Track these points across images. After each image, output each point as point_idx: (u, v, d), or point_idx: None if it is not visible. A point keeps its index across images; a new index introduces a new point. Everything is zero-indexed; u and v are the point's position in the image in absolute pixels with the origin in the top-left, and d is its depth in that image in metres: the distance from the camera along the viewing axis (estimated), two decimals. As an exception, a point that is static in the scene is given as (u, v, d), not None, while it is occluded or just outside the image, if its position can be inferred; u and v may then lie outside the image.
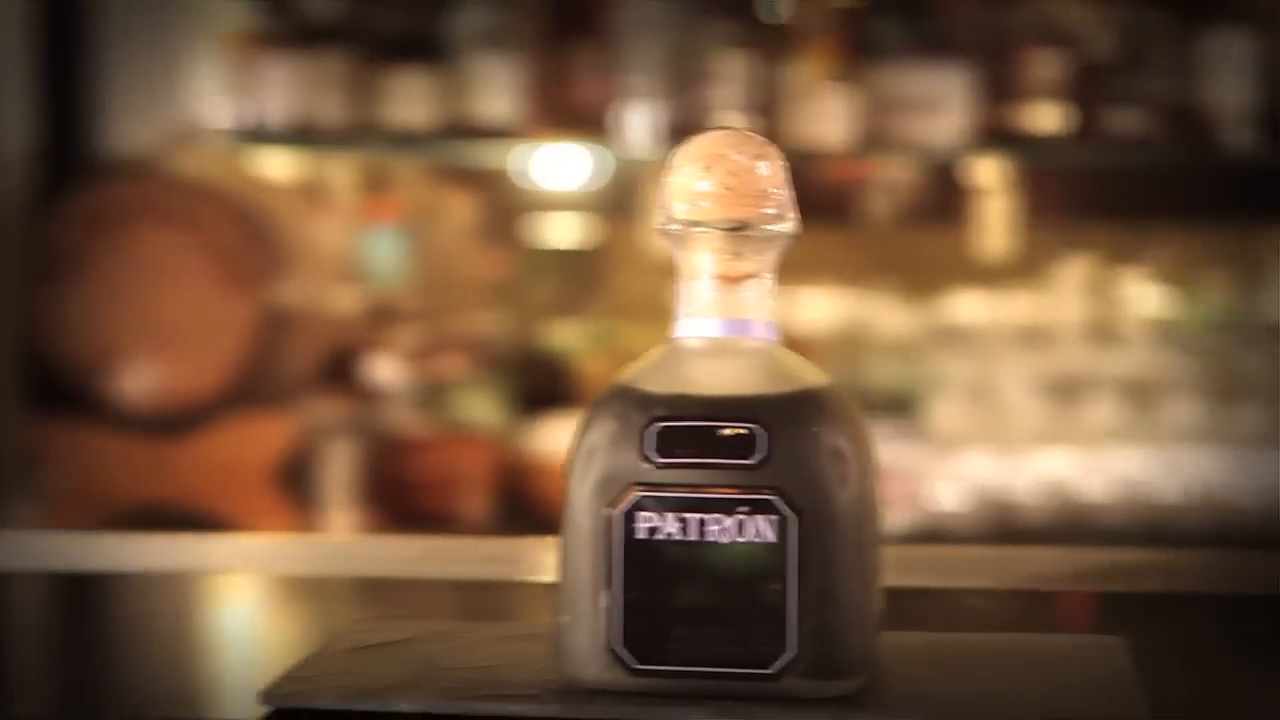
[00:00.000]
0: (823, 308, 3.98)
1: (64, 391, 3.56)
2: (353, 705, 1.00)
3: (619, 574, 0.91)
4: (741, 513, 0.90)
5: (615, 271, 4.30)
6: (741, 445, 0.90)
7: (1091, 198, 3.99)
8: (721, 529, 0.90)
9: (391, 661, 1.07)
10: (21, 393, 3.62)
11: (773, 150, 0.95)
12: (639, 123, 3.81)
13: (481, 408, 3.94)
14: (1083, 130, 3.67)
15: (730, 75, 3.73)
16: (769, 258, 0.94)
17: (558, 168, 4.10)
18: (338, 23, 3.91)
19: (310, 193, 4.12)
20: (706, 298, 0.93)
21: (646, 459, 0.90)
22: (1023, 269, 3.87)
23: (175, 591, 1.52)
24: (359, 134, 3.92)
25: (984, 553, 2.10)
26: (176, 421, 3.49)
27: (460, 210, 4.23)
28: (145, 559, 1.68)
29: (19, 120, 3.67)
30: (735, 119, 3.74)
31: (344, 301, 3.85)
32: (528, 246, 4.22)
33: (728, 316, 0.93)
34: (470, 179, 4.21)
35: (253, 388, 3.54)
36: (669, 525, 0.90)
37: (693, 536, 0.90)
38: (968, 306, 3.83)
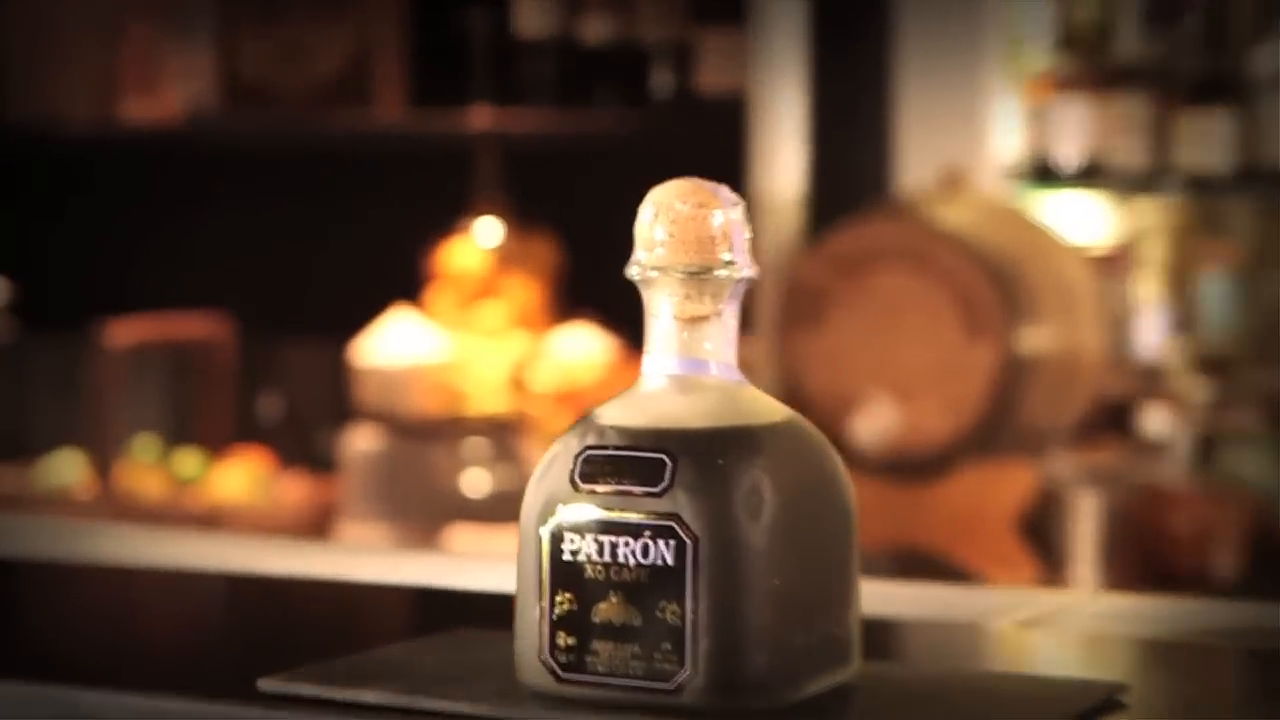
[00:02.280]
0: None
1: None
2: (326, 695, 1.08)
3: (548, 588, 1.00)
4: (646, 536, 0.98)
5: None
6: (650, 473, 0.98)
7: None
8: (629, 550, 0.98)
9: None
10: None
11: (725, 200, 1.01)
12: None
13: (1256, 464, 4.00)
14: None
15: None
16: (725, 301, 1.01)
17: None
18: (1140, 64, 3.99)
19: (1115, 247, 4.16)
20: (666, 337, 1.00)
21: (573, 484, 1.00)
22: None
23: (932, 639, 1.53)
24: (1156, 177, 3.98)
25: None
26: (918, 466, 3.56)
27: None
28: (896, 606, 1.66)
29: (795, 161, 3.85)
30: None
31: (1103, 349, 3.79)
32: None
33: (685, 355, 1.00)
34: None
35: (995, 434, 3.54)
36: (588, 546, 0.99)
37: (606, 558, 0.98)
38: None
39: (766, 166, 3.90)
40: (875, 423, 3.57)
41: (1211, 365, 4.05)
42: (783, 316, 3.77)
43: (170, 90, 4.81)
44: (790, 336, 3.71)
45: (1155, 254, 4.23)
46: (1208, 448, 4.00)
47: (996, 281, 3.56)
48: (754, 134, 3.93)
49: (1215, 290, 4.17)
